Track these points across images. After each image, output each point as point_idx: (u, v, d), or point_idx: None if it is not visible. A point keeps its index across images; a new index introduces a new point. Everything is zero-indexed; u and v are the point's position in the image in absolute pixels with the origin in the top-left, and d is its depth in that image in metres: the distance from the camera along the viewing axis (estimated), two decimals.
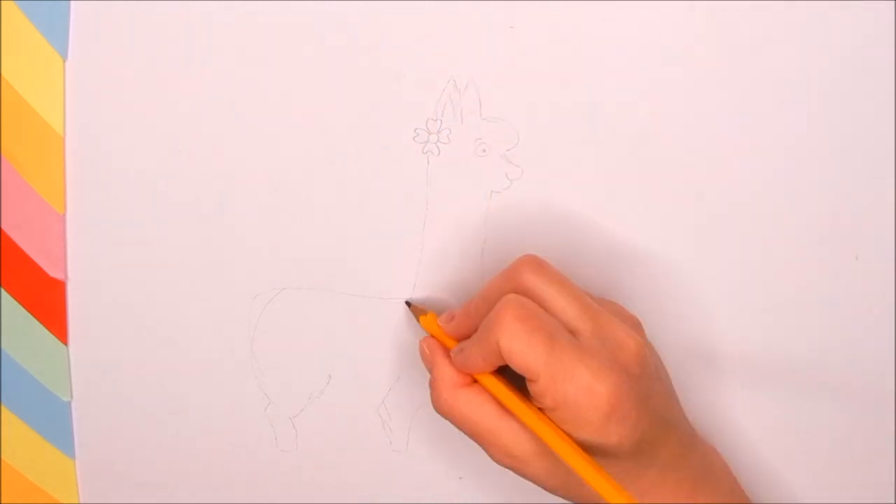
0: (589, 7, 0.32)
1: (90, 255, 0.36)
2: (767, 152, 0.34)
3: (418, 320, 0.35)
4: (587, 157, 0.34)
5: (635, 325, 0.33)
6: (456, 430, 0.32)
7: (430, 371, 0.33)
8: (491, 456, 0.31)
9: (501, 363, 0.30)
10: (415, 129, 0.34)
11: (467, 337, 0.32)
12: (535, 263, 0.31)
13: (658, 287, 0.36)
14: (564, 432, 0.29)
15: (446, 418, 0.32)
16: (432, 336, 0.33)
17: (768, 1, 0.32)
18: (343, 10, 0.32)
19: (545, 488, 0.31)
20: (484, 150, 0.34)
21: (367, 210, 0.35)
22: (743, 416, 0.38)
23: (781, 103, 0.34)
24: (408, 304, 0.36)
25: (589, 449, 0.29)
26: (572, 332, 0.30)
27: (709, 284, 0.36)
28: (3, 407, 0.39)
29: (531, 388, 0.29)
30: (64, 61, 0.33)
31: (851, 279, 0.36)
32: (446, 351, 0.32)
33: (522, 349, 0.28)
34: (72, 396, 0.38)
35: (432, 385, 0.32)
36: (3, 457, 0.40)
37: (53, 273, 0.36)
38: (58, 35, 0.33)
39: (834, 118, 0.34)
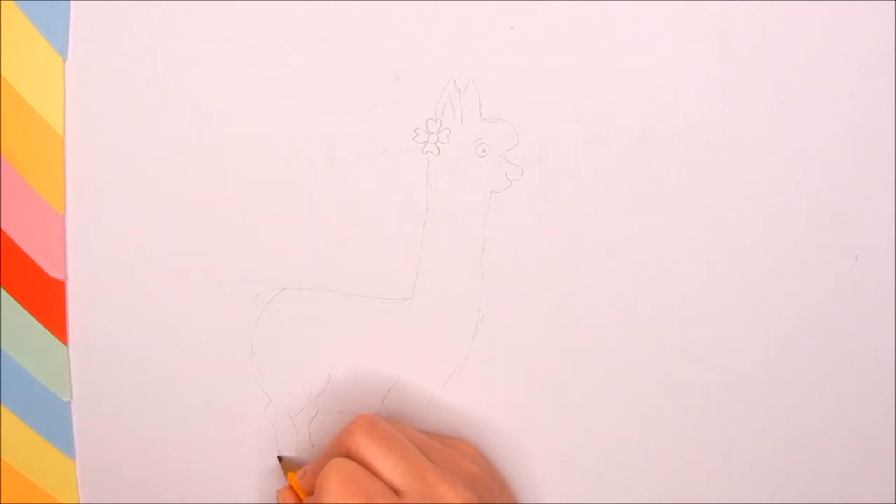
0: (589, 7, 0.32)
1: (90, 255, 0.36)
2: (767, 152, 0.34)
3: (285, 475, 0.38)
4: (587, 157, 0.34)
5: (472, 478, 0.34)
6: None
7: None
8: None
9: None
10: (415, 129, 0.34)
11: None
12: (368, 425, 0.33)
13: (658, 287, 0.36)
14: None
15: None
16: (292, 488, 0.36)
17: (769, 1, 0.32)
18: (343, 10, 0.32)
19: None
20: (484, 150, 0.34)
21: (367, 210, 0.35)
22: (743, 415, 0.38)
23: (782, 103, 0.34)
24: (279, 459, 0.39)
25: None
26: (398, 492, 0.31)
27: (709, 284, 0.36)
28: (3, 407, 0.39)
29: None
30: (64, 61, 0.33)
31: (851, 279, 0.36)
32: (300, 501, 0.36)
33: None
34: (72, 396, 0.38)
35: None
36: (3, 457, 0.40)
37: (53, 273, 0.36)
38: (58, 35, 0.33)
39: (834, 118, 0.34)
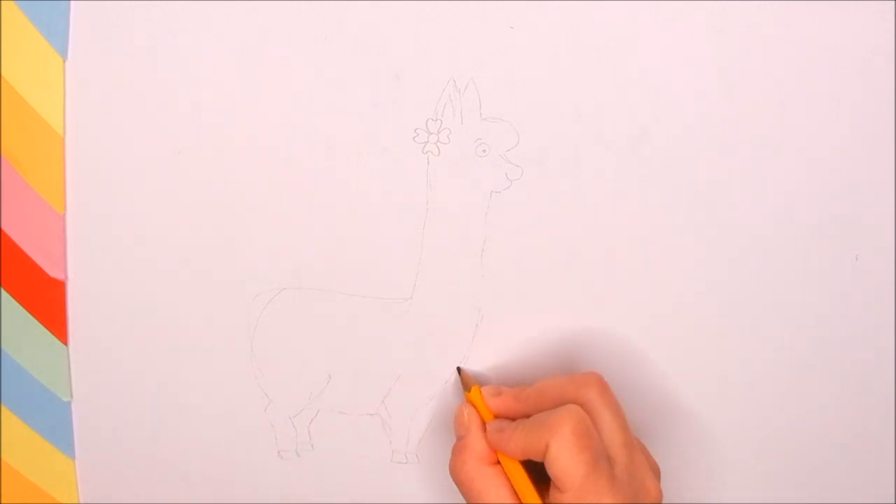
0: (589, 7, 0.32)
1: (90, 255, 0.36)
2: (767, 152, 0.34)
3: (466, 390, 0.36)
4: (587, 157, 0.34)
5: (657, 472, 0.34)
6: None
7: (461, 436, 0.34)
8: None
9: (538, 459, 0.31)
10: (415, 129, 0.34)
11: (508, 417, 0.33)
12: (602, 385, 0.33)
13: (658, 287, 0.36)
14: None
15: (459, 485, 0.33)
16: (472, 404, 0.34)
17: (769, 1, 0.32)
18: (343, 10, 0.32)
19: None
20: (484, 150, 0.34)
21: (367, 210, 0.35)
22: (743, 415, 0.38)
23: (782, 104, 0.34)
24: (458, 370, 0.37)
25: None
26: (610, 459, 0.31)
27: (709, 284, 0.36)
28: (3, 407, 0.39)
29: (555, 495, 0.30)
30: (64, 61, 0.33)
31: (851, 279, 0.36)
32: (483, 424, 0.34)
33: (568, 461, 0.30)
34: (72, 396, 0.38)
35: (458, 450, 0.33)
36: (3, 457, 0.40)
37: (53, 273, 0.36)
38: (58, 35, 0.33)
39: (834, 118, 0.34)
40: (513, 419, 0.33)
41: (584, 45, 0.33)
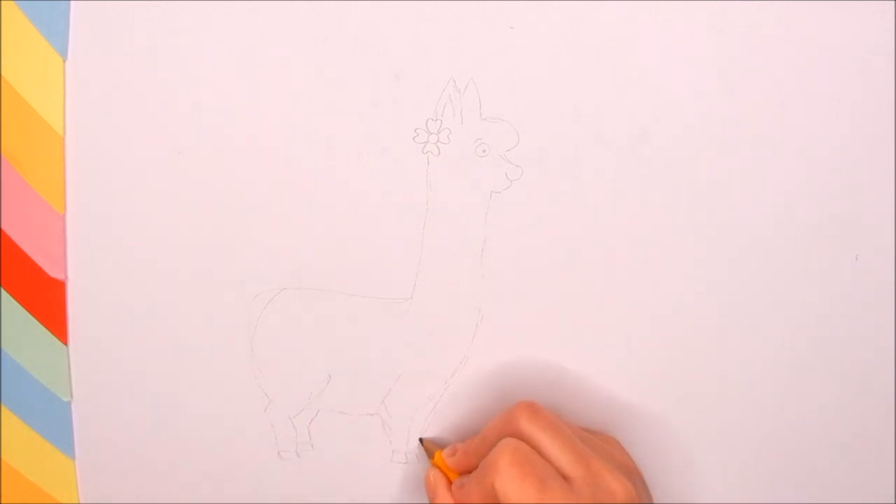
0: (589, 7, 0.32)
1: (90, 255, 0.36)
2: (767, 152, 0.34)
3: (430, 457, 0.37)
4: (587, 157, 0.34)
5: (628, 470, 0.34)
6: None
7: (431, 499, 0.36)
8: None
9: (497, 502, 0.31)
10: (415, 129, 0.34)
11: (468, 471, 0.34)
12: (531, 410, 0.33)
13: (658, 287, 0.36)
14: None
15: None
16: (437, 467, 0.36)
17: (769, 1, 0.32)
18: (343, 10, 0.32)
19: None
20: (484, 150, 0.34)
21: (367, 210, 0.35)
22: (743, 415, 0.38)
23: (782, 104, 0.34)
24: (420, 441, 0.38)
25: None
26: (565, 478, 0.31)
27: (709, 284, 0.36)
28: (3, 407, 0.39)
29: None
30: (64, 61, 0.33)
31: (851, 279, 0.36)
32: (448, 483, 0.35)
33: (515, 492, 0.31)
34: (72, 396, 0.38)
35: None
36: (3, 457, 0.40)
37: (53, 273, 0.36)
38: (58, 35, 0.33)
39: (834, 118, 0.34)
40: (470, 472, 0.34)
41: (584, 45, 0.33)
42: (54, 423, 0.39)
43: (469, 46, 0.33)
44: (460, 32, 0.33)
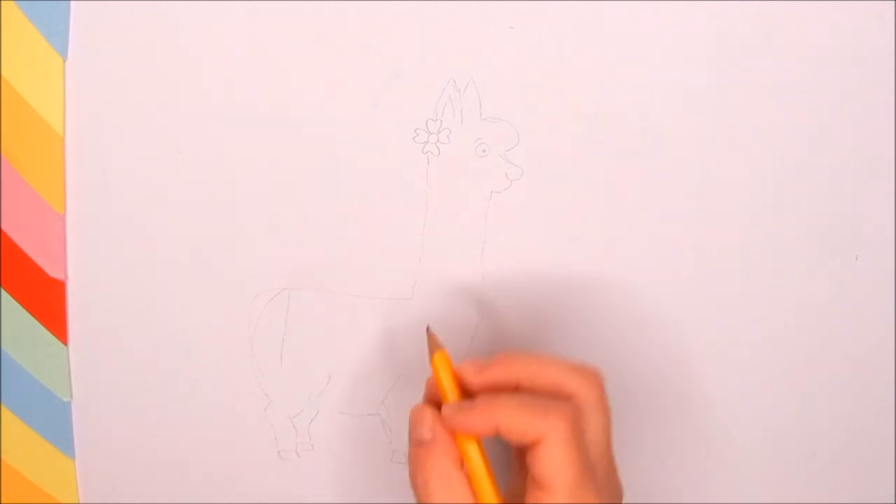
0: (589, 7, 0.32)
1: (90, 255, 0.36)
2: (768, 153, 0.34)
3: (431, 353, 0.32)
4: (587, 157, 0.34)
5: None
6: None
7: (424, 440, 0.30)
8: None
9: (514, 443, 0.28)
10: (415, 129, 0.34)
11: (493, 388, 0.30)
12: (602, 385, 0.30)
13: (657, 287, 0.36)
14: None
15: (421, 487, 0.30)
16: (434, 369, 0.31)
17: (769, 1, 0.32)
18: (343, 9, 0.32)
19: None
20: (484, 150, 0.34)
21: (367, 210, 0.35)
22: (743, 415, 0.38)
23: (782, 104, 0.34)
24: (428, 329, 0.34)
25: None
26: (591, 462, 0.29)
27: (709, 284, 0.36)
28: (3, 407, 0.39)
29: (534, 493, 0.28)
30: (64, 61, 0.33)
31: (851, 279, 0.36)
32: (437, 413, 0.30)
33: (561, 459, 0.27)
34: (72, 396, 0.38)
35: (425, 455, 0.30)
36: (3, 457, 0.40)
37: (53, 273, 0.36)
38: (58, 35, 0.33)
39: (834, 119, 0.34)
40: (490, 390, 0.30)
41: (584, 45, 0.33)
42: (54, 423, 0.39)
43: (469, 46, 0.33)
44: (460, 32, 0.33)
